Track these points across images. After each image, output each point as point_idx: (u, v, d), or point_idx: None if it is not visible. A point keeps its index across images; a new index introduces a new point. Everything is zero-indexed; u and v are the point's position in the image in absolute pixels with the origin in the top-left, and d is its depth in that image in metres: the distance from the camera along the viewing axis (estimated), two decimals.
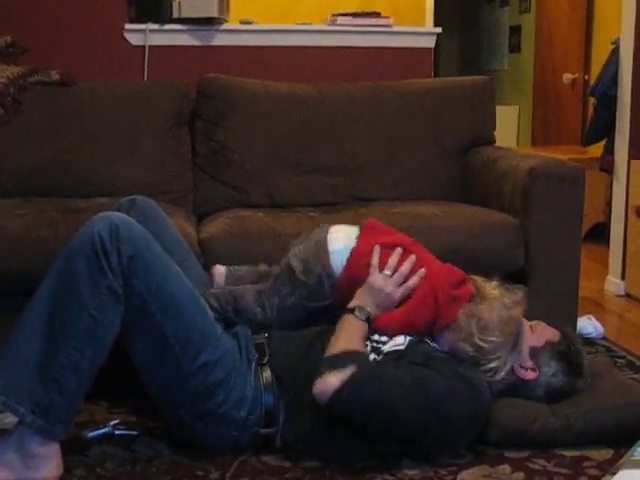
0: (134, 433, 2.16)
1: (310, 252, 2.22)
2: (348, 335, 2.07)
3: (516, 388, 2.16)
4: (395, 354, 2.09)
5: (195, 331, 1.98)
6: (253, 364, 2.10)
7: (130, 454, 2.07)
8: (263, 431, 2.06)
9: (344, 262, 2.20)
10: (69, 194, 3.06)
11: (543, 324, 2.23)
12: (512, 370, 2.14)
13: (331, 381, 1.93)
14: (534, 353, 2.15)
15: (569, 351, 2.16)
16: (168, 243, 2.28)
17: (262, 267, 2.44)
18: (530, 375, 2.15)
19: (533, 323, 2.22)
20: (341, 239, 2.24)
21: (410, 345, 2.12)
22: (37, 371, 1.86)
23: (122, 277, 1.89)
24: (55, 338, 1.87)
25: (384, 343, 2.13)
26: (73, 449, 2.04)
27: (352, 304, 2.14)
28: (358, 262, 2.19)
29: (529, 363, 2.15)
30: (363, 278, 2.17)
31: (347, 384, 1.93)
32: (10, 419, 2.02)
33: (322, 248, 2.22)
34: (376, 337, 2.14)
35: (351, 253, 2.21)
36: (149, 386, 2.06)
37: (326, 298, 2.21)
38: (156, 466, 2.02)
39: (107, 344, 1.92)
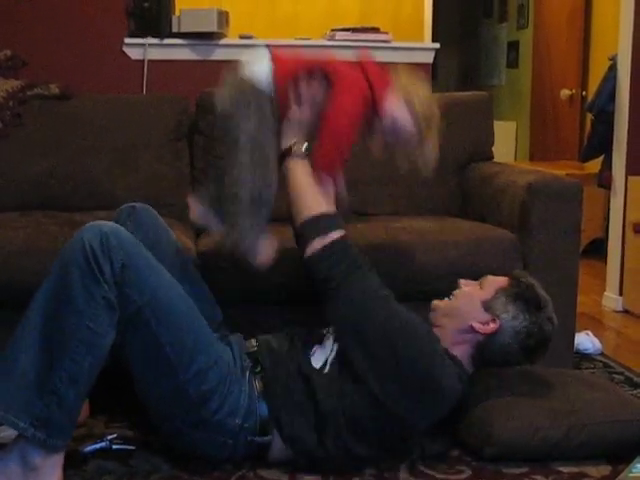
0: (131, 447, 2.16)
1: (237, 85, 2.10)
2: (305, 187, 2.17)
3: (485, 349, 2.14)
4: None
5: (189, 337, 1.99)
6: (247, 373, 2.11)
7: (127, 469, 2.07)
8: (258, 439, 2.07)
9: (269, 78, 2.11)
10: (68, 207, 3.06)
11: (489, 277, 2.24)
12: (473, 329, 2.13)
13: (316, 244, 2.08)
14: (488, 305, 2.15)
15: (520, 289, 2.16)
16: (167, 251, 2.29)
17: None
18: (491, 327, 2.13)
19: (480, 280, 2.24)
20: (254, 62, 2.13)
21: None
22: (35, 384, 1.86)
23: (115, 286, 1.90)
24: (52, 351, 1.87)
25: None
26: (70, 463, 2.03)
27: (284, 144, 2.18)
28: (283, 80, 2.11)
29: (486, 316, 2.14)
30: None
31: (332, 245, 2.09)
32: (8, 432, 2.02)
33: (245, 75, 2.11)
34: None
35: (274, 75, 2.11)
36: (146, 397, 2.06)
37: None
38: None
39: (103, 354, 1.92)
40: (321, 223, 2.14)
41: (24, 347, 1.88)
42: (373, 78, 2.13)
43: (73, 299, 1.87)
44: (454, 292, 2.25)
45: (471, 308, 2.17)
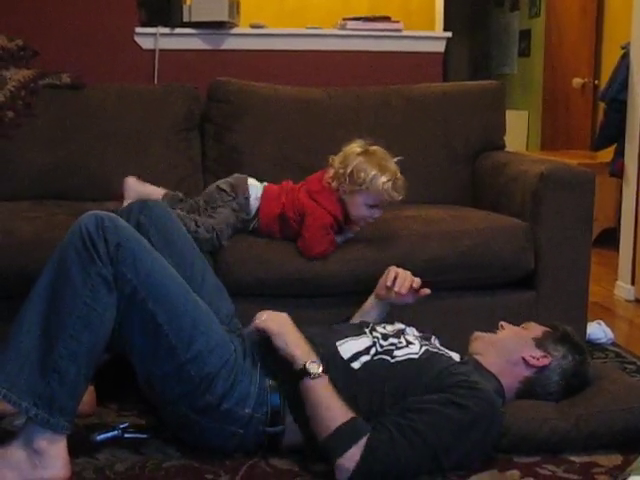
0: (143, 436, 2.17)
1: (233, 182, 2.77)
2: (324, 404, 1.99)
3: (533, 385, 2.21)
4: (408, 365, 2.10)
5: (186, 318, 2.01)
6: (258, 365, 2.11)
7: (139, 457, 2.08)
8: (269, 430, 2.07)
9: (259, 195, 2.74)
10: (80, 197, 3.07)
11: (532, 322, 2.34)
12: (524, 361, 2.20)
13: (345, 462, 1.92)
14: (539, 342, 2.23)
15: (566, 333, 2.26)
16: (180, 246, 2.32)
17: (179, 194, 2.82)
18: (544, 361, 2.20)
19: (522, 325, 2.33)
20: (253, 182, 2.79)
21: (424, 356, 2.14)
22: (37, 364, 1.89)
23: (111, 264, 1.94)
24: (52, 329, 1.91)
25: (397, 347, 2.15)
26: (82, 452, 2.05)
27: (296, 364, 2.04)
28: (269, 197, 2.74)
29: (538, 352, 2.21)
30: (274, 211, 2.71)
31: (364, 458, 1.92)
32: (19, 421, 2.03)
33: (242, 181, 2.77)
34: (390, 341, 2.17)
35: (264, 189, 2.77)
36: (149, 382, 2.08)
37: (249, 214, 2.72)
38: (165, 469, 2.02)
39: (103, 332, 1.95)
40: (352, 428, 1.97)
41: (26, 328, 1.92)
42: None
43: (71, 278, 1.93)
44: (497, 331, 2.31)
45: (522, 342, 2.25)
